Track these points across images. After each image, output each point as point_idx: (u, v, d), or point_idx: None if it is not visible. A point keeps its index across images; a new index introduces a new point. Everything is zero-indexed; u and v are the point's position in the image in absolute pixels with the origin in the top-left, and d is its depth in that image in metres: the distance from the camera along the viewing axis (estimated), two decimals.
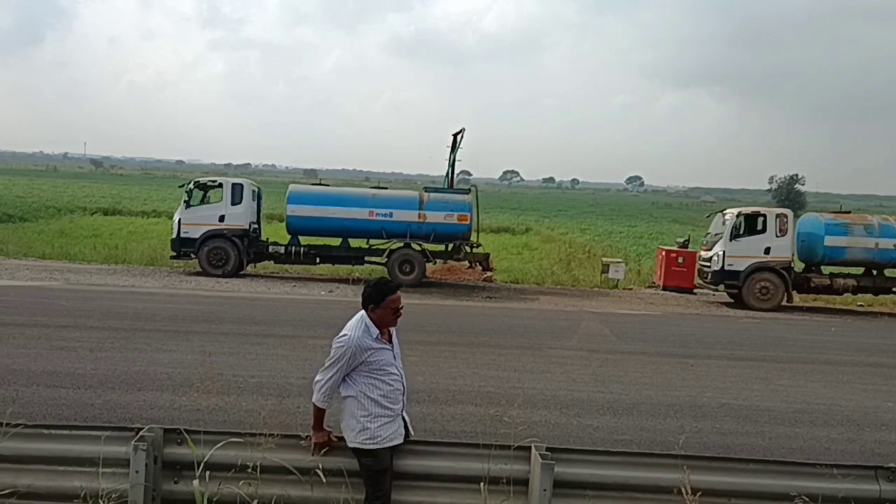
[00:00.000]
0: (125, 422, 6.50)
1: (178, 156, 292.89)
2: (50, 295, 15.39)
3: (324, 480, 4.09)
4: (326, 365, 4.29)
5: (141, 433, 4.04)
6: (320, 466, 4.14)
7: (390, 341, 4.45)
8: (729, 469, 4.24)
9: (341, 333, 4.30)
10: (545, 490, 3.94)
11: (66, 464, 4.15)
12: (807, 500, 3.99)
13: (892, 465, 4.23)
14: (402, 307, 4.43)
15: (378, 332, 4.33)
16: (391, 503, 4.31)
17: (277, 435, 4.27)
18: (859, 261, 19.80)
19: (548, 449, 4.15)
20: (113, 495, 3.96)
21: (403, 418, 4.43)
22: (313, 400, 4.37)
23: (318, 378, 4.34)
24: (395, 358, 4.44)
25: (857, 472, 4.22)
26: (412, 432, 4.53)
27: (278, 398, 8.15)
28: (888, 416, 8.80)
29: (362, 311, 4.38)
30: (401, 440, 4.36)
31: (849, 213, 20.87)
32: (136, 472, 3.90)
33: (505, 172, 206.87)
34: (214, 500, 4.03)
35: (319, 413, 4.38)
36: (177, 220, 20.17)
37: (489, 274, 21.09)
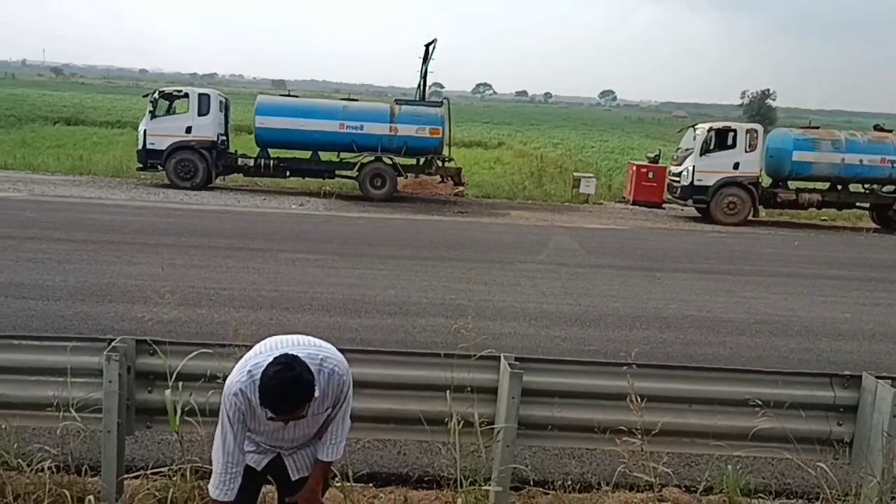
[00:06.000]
0: (96, 333, 6.49)
1: (141, 64, 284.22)
2: (14, 206, 15.13)
3: None
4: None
5: (113, 344, 4.04)
6: None
7: None
8: (690, 377, 4.36)
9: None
10: (513, 398, 4.03)
11: (38, 374, 4.15)
12: (763, 405, 4.13)
13: (846, 372, 4.37)
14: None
15: None
16: None
17: (249, 345, 4.27)
18: (825, 176, 20.06)
19: (516, 359, 4.23)
20: (86, 404, 3.99)
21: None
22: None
23: None
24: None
25: (813, 380, 4.36)
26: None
27: (250, 310, 8.19)
28: (844, 327, 9.09)
29: None
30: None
31: (817, 128, 20.99)
32: (110, 381, 3.91)
33: (478, 85, 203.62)
34: (187, 409, 4.08)
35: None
36: (142, 131, 19.75)
37: (461, 188, 21.05)
